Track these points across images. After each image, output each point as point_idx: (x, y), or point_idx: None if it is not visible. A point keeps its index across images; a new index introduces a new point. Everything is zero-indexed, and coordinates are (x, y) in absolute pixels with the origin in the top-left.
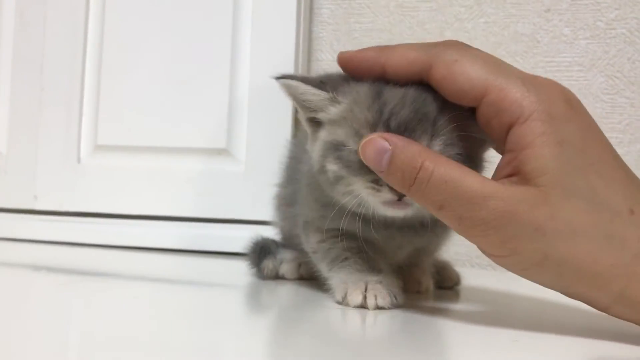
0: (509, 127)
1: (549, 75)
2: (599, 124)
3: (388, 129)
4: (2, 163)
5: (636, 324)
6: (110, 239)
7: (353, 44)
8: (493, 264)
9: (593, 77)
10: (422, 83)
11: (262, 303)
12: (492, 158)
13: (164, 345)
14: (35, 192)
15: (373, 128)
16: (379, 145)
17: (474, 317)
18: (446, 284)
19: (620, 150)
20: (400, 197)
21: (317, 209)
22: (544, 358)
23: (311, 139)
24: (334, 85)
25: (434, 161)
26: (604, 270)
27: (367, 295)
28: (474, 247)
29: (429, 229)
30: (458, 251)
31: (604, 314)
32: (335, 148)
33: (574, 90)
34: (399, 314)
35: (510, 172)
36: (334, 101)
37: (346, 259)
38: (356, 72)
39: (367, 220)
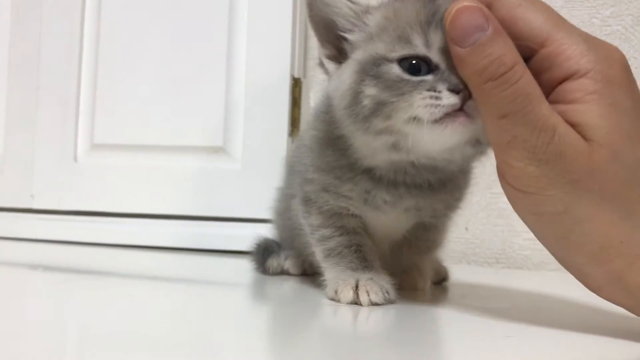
0: (560, 82)
1: None
2: None
3: (439, 27)
4: None
5: (625, 308)
6: (107, 237)
7: None
8: (489, 261)
9: None
10: None
11: (261, 300)
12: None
13: (162, 343)
14: (32, 191)
15: (424, 28)
16: (477, 18)
17: (469, 313)
18: (433, 279)
19: None
20: (463, 102)
21: (318, 177)
22: (537, 353)
23: (335, 75)
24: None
25: (525, 69)
26: (611, 245)
27: (359, 292)
28: (470, 245)
29: (442, 188)
30: (454, 249)
31: (597, 309)
32: (373, 64)
33: None
34: (393, 310)
35: None
36: (366, 12)
37: (340, 253)
38: None
39: (380, 178)
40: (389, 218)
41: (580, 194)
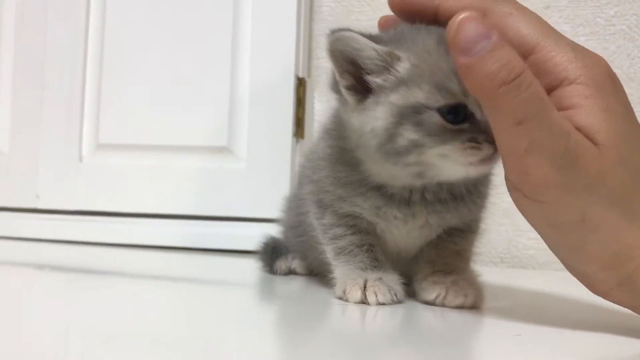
0: (551, 90)
1: None
2: None
3: None
4: (4, 162)
5: (632, 310)
6: (112, 237)
7: None
8: (494, 260)
9: None
10: None
11: (268, 299)
12: None
13: (169, 341)
14: (37, 191)
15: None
16: (481, 28)
17: (475, 312)
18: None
19: None
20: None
21: (334, 189)
22: (545, 352)
23: (354, 109)
24: (388, 40)
25: (534, 77)
26: (621, 249)
27: (367, 292)
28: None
29: (457, 202)
30: None
31: (603, 307)
32: (414, 112)
33: None
34: (400, 309)
35: None
36: (394, 57)
37: (352, 252)
38: (408, 14)
39: (391, 195)
40: (401, 233)
41: (595, 200)
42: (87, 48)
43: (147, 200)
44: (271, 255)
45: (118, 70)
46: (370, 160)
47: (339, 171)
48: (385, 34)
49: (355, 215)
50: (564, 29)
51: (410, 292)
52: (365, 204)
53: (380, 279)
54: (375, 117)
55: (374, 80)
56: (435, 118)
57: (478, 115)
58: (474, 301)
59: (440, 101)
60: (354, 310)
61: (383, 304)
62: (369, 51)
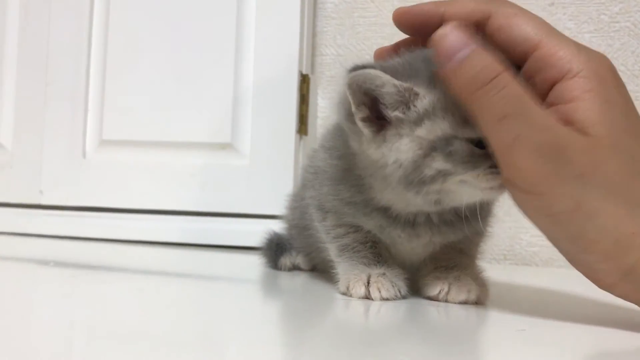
0: (553, 83)
1: None
2: None
3: None
4: (7, 158)
5: (638, 304)
6: (116, 233)
7: (357, 38)
8: (497, 257)
9: None
10: None
11: (272, 294)
12: None
13: (173, 336)
14: (41, 187)
15: None
16: (460, 38)
17: (479, 308)
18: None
19: None
20: None
21: (337, 206)
22: (550, 346)
23: (371, 140)
24: (403, 73)
25: (512, 77)
26: (623, 238)
27: (371, 288)
28: None
29: (466, 221)
30: None
31: (607, 303)
32: (445, 144)
33: None
34: (404, 304)
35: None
36: (414, 93)
37: (354, 248)
38: (412, 25)
39: (396, 217)
40: (405, 248)
41: (588, 189)
42: (91, 44)
43: (151, 196)
44: (275, 251)
45: (122, 67)
46: (386, 188)
47: (342, 190)
48: (397, 66)
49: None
50: (569, 26)
51: (415, 288)
52: (369, 223)
53: (384, 274)
54: (398, 150)
55: (393, 113)
56: (466, 146)
57: None
58: (478, 297)
59: (466, 133)
60: (357, 305)
61: (386, 299)
62: (390, 87)
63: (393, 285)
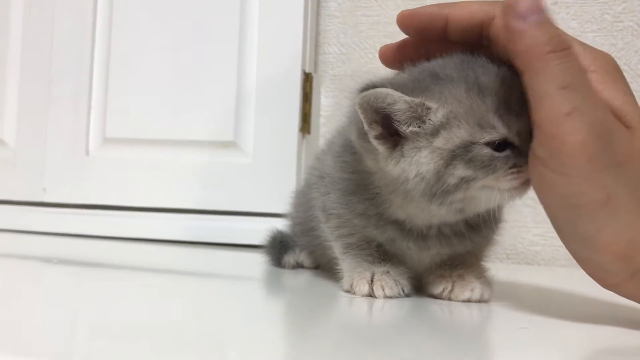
0: None
1: None
2: None
3: (510, 109)
4: (11, 156)
5: None
6: (119, 230)
7: (360, 37)
8: (499, 256)
9: None
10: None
11: (276, 292)
12: None
13: (177, 333)
14: (44, 184)
15: (499, 112)
16: (538, 3)
17: (482, 306)
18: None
19: None
20: None
21: (347, 217)
22: (553, 343)
23: (387, 157)
24: (412, 88)
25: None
26: (636, 237)
27: (374, 286)
28: None
29: (477, 231)
30: None
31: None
32: (465, 150)
33: None
34: (408, 302)
35: None
36: (426, 107)
37: (360, 246)
38: (417, 28)
39: (409, 230)
40: (413, 258)
41: (620, 182)
42: (95, 42)
43: (154, 194)
44: (279, 249)
45: (125, 65)
46: (409, 204)
47: (354, 203)
48: (406, 82)
49: None
50: (572, 25)
51: (418, 286)
52: (381, 236)
53: (388, 272)
54: (419, 163)
55: (408, 129)
56: (485, 150)
57: (517, 143)
58: (481, 295)
59: (485, 136)
60: (361, 303)
61: (390, 297)
62: (402, 104)
63: (397, 284)
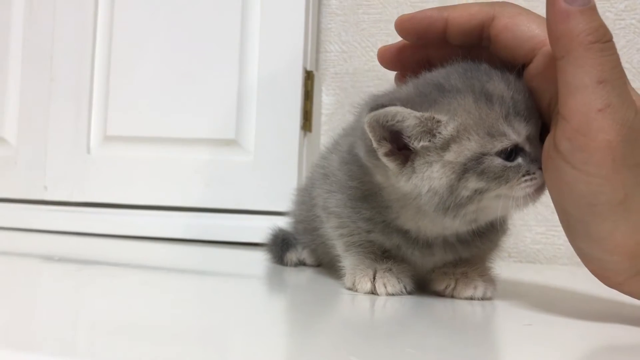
0: None
1: None
2: None
3: (518, 115)
4: (12, 154)
5: None
6: (120, 228)
7: (361, 35)
8: (501, 255)
9: None
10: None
11: (277, 290)
12: None
13: (177, 331)
14: (45, 182)
15: (508, 118)
16: None
17: (484, 304)
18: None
19: None
20: None
21: (353, 221)
22: (557, 340)
23: (398, 173)
24: (419, 102)
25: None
26: None
27: (377, 284)
28: None
29: (483, 237)
30: None
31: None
32: (477, 163)
33: None
34: (410, 299)
35: None
36: (436, 121)
37: (362, 245)
38: (416, 32)
39: (415, 238)
40: (416, 262)
41: (638, 182)
42: (96, 40)
43: (155, 192)
44: (281, 246)
45: (126, 63)
46: (422, 218)
47: (361, 208)
48: (413, 96)
49: None
50: None
51: (421, 284)
52: (387, 242)
53: (390, 269)
54: (431, 178)
55: (419, 144)
56: (497, 161)
57: (528, 149)
58: (484, 293)
59: (496, 145)
60: (363, 300)
61: (392, 294)
62: (413, 120)
63: (399, 281)
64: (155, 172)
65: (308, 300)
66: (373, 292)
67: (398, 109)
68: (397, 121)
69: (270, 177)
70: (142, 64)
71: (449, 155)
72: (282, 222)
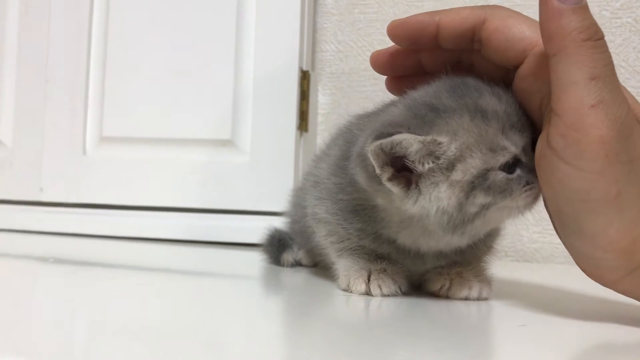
0: None
1: None
2: None
3: (513, 127)
4: (8, 155)
5: (638, 300)
6: (116, 229)
7: (357, 34)
8: (498, 254)
9: None
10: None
11: (273, 291)
12: None
13: (174, 331)
14: (41, 184)
15: (505, 132)
16: None
17: (480, 304)
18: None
19: None
20: None
21: (349, 229)
22: (551, 341)
23: (404, 196)
24: (416, 125)
25: None
26: (638, 235)
27: (371, 285)
28: None
29: (477, 243)
30: None
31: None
32: (483, 179)
33: None
34: (405, 300)
35: None
36: (438, 144)
37: (353, 248)
38: (408, 37)
39: (407, 250)
40: (408, 267)
41: (631, 178)
42: (91, 41)
43: (151, 193)
44: (277, 247)
45: (121, 63)
46: (428, 239)
47: (352, 219)
48: (409, 119)
49: None
50: None
51: (416, 284)
52: (378, 249)
53: (385, 270)
54: (439, 198)
55: (424, 167)
56: (501, 175)
57: (524, 159)
58: (479, 294)
59: (499, 159)
60: (358, 301)
61: (387, 295)
62: (416, 145)
63: (394, 282)
64: (151, 172)
65: (304, 301)
66: (368, 293)
67: (405, 136)
68: (401, 147)
69: (267, 177)
70: (137, 65)
71: (456, 175)
72: (279, 223)
